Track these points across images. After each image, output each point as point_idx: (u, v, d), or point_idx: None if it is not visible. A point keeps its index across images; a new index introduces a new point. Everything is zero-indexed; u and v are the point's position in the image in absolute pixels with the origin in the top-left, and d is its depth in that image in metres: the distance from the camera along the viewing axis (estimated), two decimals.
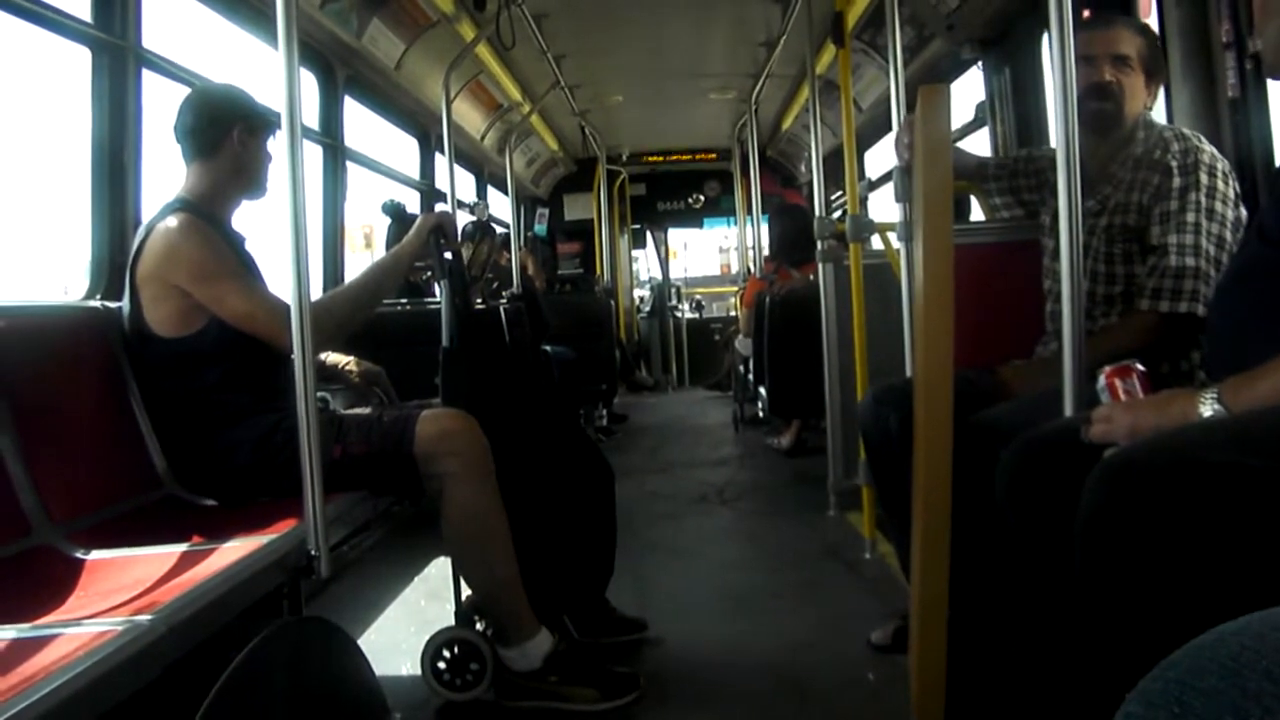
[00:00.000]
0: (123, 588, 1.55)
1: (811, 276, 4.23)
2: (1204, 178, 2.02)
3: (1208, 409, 1.27)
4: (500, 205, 7.50)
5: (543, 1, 4.70)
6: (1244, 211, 2.06)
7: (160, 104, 2.65)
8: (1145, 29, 2.21)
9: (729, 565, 3.36)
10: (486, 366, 2.49)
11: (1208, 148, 2.07)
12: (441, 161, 4.82)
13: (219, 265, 2.09)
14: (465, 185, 6.96)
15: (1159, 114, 2.27)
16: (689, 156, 9.59)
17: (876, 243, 3.11)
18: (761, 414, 5.76)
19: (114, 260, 2.49)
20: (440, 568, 3.18)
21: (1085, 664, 1.34)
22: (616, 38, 5.60)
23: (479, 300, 4.71)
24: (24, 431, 1.84)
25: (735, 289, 9.45)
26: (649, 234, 10.48)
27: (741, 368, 6.35)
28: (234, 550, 1.68)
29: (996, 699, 1.83)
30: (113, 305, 2.25)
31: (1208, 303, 1.96)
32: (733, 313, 10.02)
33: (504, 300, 5.18)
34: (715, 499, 4.42)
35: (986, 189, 2.61)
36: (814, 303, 3.53)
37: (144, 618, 1.32)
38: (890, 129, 2.75)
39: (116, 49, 2.54)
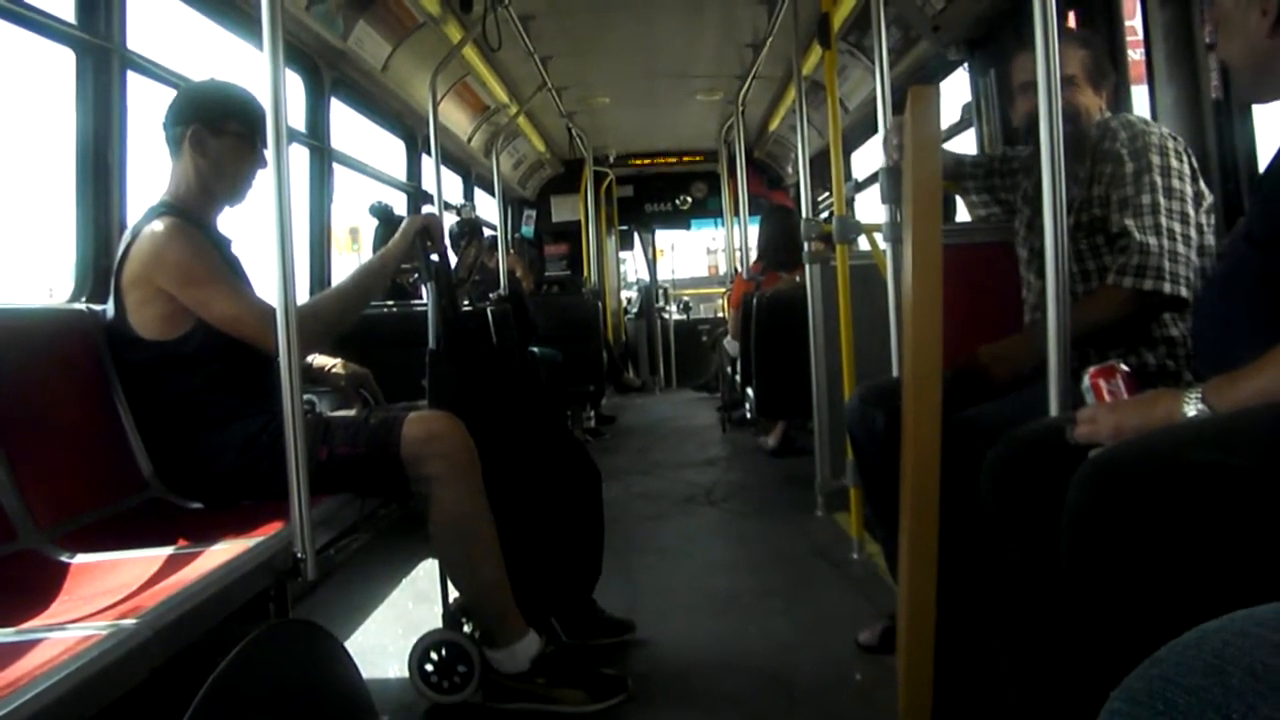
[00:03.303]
0: (108, 591, 1.54)
1: (798, 278, 4.24)
2: (1156, 158, 2.04)
3: (1192, 409, 1.28)
4: (487, 207, 7.49)
5: (529, 3, 4.68)
6: (1204, 187, 2.08)
7: (146, 107, 2.64)
8: (1086, 39, 2.21)
9: (716, 566, 3.36)
10: (473, 369, 2.48)
11: (1156, 129, 2.09)
12: (428, 163, 4.81)
13: (205, 269, 2.07)
14: (452, 187, 6.95)
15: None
16: (676, 158, 9.59)
17: (863, 244, 3.12)
18: (749, 415, 5.77)
19: (99, 263, 2.47)
20: (428, 570, 3.18)
21: (1071, 662, 1.35)
22: (603, 39, 5.60)
23: (465, 302, 4.69)
24: (8, 435, 1.83)
25: (723, 290, 9.46)
26: (636, 235, 10.47)
27: (729, 369, 6.36)
28: (220, 553, 1.67)
29: (984, 699, 1.84)
30: (98, 308, 2.23)
31: (1175, 278, 1.97)
32: (720, 314, 10.03)
33: (490, 302, 5.17)
34: (703, 500, 4.42)
35: (965, 187, 2.62)
36: (801, 304, 3.54)
37: (129, 622, 1.31)
38: (876, 130, 2.76)
39: (101, 51, 2.52)
